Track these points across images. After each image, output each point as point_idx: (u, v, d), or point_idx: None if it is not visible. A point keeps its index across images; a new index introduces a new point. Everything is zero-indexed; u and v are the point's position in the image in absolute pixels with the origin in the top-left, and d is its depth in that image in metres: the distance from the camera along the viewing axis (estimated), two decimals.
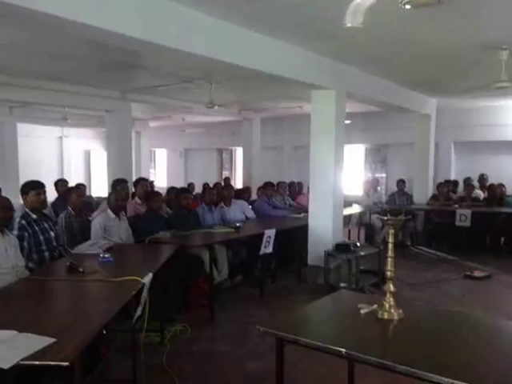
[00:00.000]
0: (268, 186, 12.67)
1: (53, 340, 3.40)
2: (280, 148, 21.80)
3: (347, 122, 10.77)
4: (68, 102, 13.65)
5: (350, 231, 14.21)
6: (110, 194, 8.70)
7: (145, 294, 5.18)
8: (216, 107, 12.42)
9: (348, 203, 12.68)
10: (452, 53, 8.98)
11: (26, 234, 6.45)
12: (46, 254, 6.68)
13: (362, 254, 9.48)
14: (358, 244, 9.92)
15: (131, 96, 13.72)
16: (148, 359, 5.63)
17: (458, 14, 6.74)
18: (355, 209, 13.97)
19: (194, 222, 9.36)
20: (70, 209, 8.00)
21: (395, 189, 15.66)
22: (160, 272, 6.07)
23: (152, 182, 14.81)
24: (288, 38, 8.09)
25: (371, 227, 14.21)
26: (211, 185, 12.96)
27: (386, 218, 4.03)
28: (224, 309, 8.33)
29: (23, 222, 6.51)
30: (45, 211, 7.27)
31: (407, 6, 5.92)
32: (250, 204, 11.99)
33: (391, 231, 4.01)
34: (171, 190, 11.33)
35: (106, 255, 6.38)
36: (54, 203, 10.75)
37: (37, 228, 6.63)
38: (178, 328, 7.31)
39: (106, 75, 11.13)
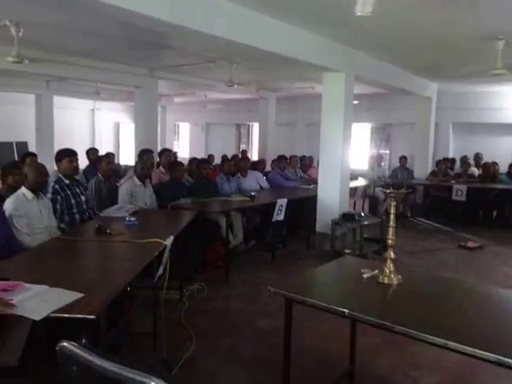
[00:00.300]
0: (281, 159, 12.64)
1: (81, 295, 3.42)
2: (293, 124, 21.71)
3: (355, 102, 10.73)
4: (100, 77, 13.59)
5: (355, 202, 14.29)
6: (136, 163, 8.70)
7: (166, 254, 5.19)
8: (235, 86, 12.33)
9: (354, 176, 12.62)
10: (452, 41, 8.92)
11: (59, 197, 6.48)
12: (77, 216, 6.71)
13: (366, 223, 9.46)
14: (363, 214, 9.92)
15: (158, 73, 13.65)
16: (167, 314, 5.64)
17: (459, 5, 6.71)
18: (360, 182, 13.89)
19: (213, 191, 9.35)
20: (99, 175, 8.04)
21: (398, 164, 15.71)
22: (180, 235, 6.07)
23: (175, 153, 14.76)
24: (302, 24, 8.01)
25: (375, 199, 14.20)
26: (229, 157, 12.88)
27: (388, 191, 4.01)
28: (238, 270, 8.35)
29: (57, 186, 6.54)
30: (76, 177, 7.28)
31: None
32: (264, 175, 11.95)
33: (393, 203, 3.99)
34: (193, 161, 11.32)
35: (132, 219, 6.40)
36: (85, 170, 10.74)
37: (69, 192, 6.64)
38: (196, 287, 7.35)
39: (135, 53, 11.06)
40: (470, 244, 10.72)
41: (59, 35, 9.17)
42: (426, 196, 14.66)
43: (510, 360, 2.67)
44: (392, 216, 4.01)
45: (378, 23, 7.66)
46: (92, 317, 3.11)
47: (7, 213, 5.45)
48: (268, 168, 13.52)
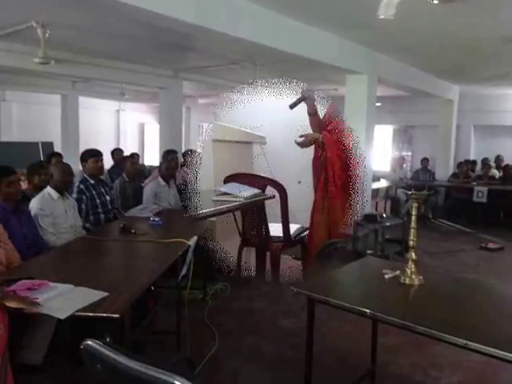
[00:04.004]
0: None
1: (105, 294, 3.43)
2: None
3: (378, 104, 10.69)
4: (125, 78, 13.60)
5: (377, 203, 14.22)
6: (161, 163, 8.71)
7: (190, 254, 5.19)
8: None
9: (376, 178, 12.62)
10: (475, 44, 8.88)
11: (84, 197, 6.53)
12: (102, 216, 6.76)
13: (388, 224, 9.37)
14: (384, 215, 9.85)
15: (183, 75, 13.66)
16: (191, 314, 5.63)
17: (481, 9, 6.68)
18: (383, 183, 13.92)
19: None
20: (124, 175, 8.09)
21: (419, 166, 15.75)
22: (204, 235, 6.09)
23: (200, 154, 14.80)
24: (325, 26, 8.00)
25: (397, 200, 14.17)
26: None
27: (410, 192, 4.03)
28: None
29: (82, 186, 6.59)
30: (102, 177, 7.34)
31: (435, 1, 5.90)
32: None
33: (415, 204, 3.99)
34: None
35: (156, 218, 6.42)
36: (110, 170, 10.79)
37: (94, 192, 6.69)
38: (219, 287, 7.36)
39: (160, 55, 11.08)
40: (491, 245, 10.72)
41: (85, 36, 9.21)
42: (447, 198, 14.58)
43: None
44: (413, 217, 3.99)
45: (400, 26, 7.66)
46: (116, 316, 3.13)
47: (33, 212, 5.51)
48: None
